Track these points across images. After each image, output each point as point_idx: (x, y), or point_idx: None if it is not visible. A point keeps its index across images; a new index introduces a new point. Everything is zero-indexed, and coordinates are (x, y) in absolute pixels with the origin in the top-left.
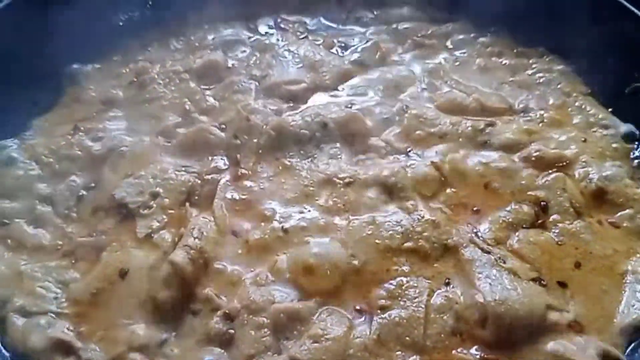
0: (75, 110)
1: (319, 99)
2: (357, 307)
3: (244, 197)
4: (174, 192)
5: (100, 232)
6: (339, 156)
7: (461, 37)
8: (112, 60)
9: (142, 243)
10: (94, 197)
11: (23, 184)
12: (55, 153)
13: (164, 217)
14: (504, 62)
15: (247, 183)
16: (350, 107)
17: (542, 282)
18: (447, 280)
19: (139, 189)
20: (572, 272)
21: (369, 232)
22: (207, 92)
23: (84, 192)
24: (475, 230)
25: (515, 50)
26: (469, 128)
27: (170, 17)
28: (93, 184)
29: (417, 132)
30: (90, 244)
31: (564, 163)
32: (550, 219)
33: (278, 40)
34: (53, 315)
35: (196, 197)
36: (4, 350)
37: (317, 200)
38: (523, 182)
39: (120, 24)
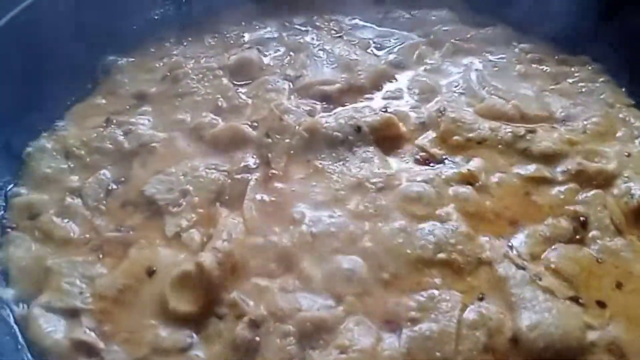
0: (109, 103)
1: (353, 100)
2: (386, 318)
3: (273, 199)
4: (204, 191)
5: (128, 228)
6: (372, 160)
7: (501, 42)
8: (146, 54)
9: (171, 241)
10: (124, 191)
11: (53, 176)
12: (86, 145)
13: (193, 216)
14: (544, 69)
15: (278, 184)
16: (385, 111)
17: (580, 300)
18: (480, 296)
19: (169, 186)
20: (612, 292)
21: (400, 241)
22: (240, 90)
23: (114, 186)
24: (510, 244)
25: (556, 57)
26: (509, 134)
27: (206, 13)
28: (123, 179)
29: (455, 137)
30: (118, 239)
31: (606, 178)
32: (590, 235)
33: (313, 39)
34: (77, 313)
35: (226, 197)
36: (26, 351)
37: (347, 204)
38: (562, 196)
39: (156, 17)
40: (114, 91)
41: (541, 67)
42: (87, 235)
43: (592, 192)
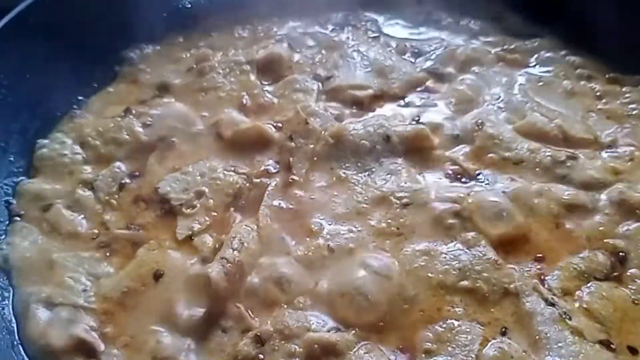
0: (130, 92)
1: (384, 107)
2: (400, 347)
3: (291, 206)
4: (220, 194)
5: (138, 226)
6: (399, 173)
7: (548, 54)
8: (173, 44)
9: (181, 245)
10: (137, 186)
11: (66, 165)
12: (102, 135)
13: (207, 219)
14: (593, 87)
15: (297, 192)
16: (418, 121)
17: (611, 345)
18: (503, 330)
19: (185, 185)
20: None
21: (422, 264)
22: (267, 88)
23: (127, 181)
24: (541, 277)
25: (607, 76)
26: (548, 158)
27: (238, 4)
28: (137, 173)
29: (490, 154)
30: (127, 237)
31: None
32: (628, 273)
33: (348, 39)
34: (78, 311)
35: (242, 202)
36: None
37: (369, 219)
38: (601, 227)
39: (188, 5)
40: (137, 80)
41: (590, 85)
42: (96, 231)
43: (635, 225)
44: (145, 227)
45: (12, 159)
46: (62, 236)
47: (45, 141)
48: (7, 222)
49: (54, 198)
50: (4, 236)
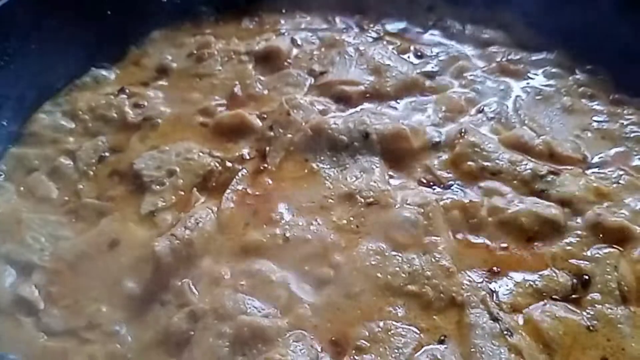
0: (130, 73)
1: (371, 106)
2: (332, 340)
3: (257, 193)
4: (190, 174)
5: (108, 198)
6: (372, 172)
7: (553, 69)
8: (180, 28)
9: (143, 220)
10: (116, 160)
11: (54, 135)
12: (92, 111)
13: (173, 197)
14: (594, 107)
15: (267, 179)
16: (401, 122)
17: None
18: (442, 338)
19: (159, 163)
20: None
21: (373, 263)
22: (261, 79)
23: (107, 154)
24: (492, 289)
25: (611, 97)
26: (528, 171)
27: None
28: (119, 149)
29: (468, 162)
30: (95, 207)
31: (626, 237)
32: (588, 297)
33: (350, 37)
34: (29, 269)
35: (212, 184)
36: None
37: (331, 214)
38: (569, 247)
39: None
40: (140, 62)
41: (591, 104)
42: (67, 198)
43: (606, 249)
44: (114, 200)
45: (5, 123)
46: (35, 199)
47: (40, 110)
48: None
49: (37, 163)
50: None
